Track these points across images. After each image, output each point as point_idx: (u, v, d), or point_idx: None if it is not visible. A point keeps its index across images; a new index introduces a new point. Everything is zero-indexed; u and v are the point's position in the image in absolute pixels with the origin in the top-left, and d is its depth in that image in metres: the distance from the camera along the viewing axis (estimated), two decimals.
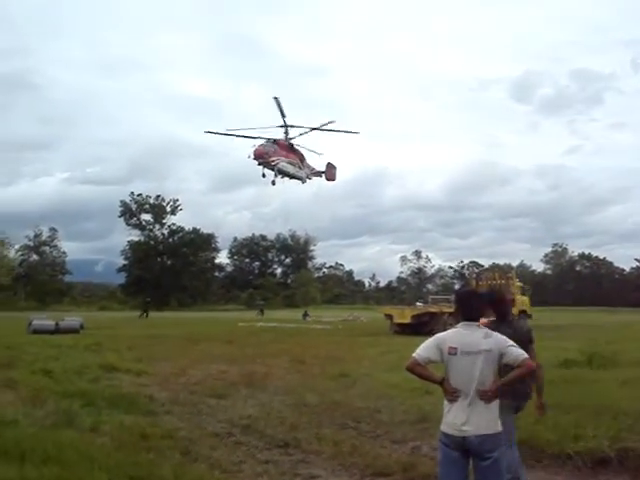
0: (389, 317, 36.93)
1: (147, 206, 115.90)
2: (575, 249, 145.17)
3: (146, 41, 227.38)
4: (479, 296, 5.58)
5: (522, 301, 41.61)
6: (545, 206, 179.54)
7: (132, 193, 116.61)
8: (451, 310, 35.74)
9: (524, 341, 5.75)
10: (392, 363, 18.39)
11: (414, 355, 5.00)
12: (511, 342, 5.03)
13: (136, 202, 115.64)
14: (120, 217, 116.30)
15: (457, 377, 4.92)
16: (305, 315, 54.92)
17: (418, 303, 44.27)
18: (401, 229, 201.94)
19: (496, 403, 4.97)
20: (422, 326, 33.60)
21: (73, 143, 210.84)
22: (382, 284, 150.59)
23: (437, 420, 9.65)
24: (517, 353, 4.93)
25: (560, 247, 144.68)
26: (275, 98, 35.78)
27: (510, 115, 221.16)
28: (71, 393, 11.86)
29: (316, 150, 38.86)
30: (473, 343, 4.94)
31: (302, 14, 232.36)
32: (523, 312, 41.03)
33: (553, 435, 8.53)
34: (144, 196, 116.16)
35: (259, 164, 35.48)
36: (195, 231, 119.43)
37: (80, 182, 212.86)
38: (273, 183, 36.68)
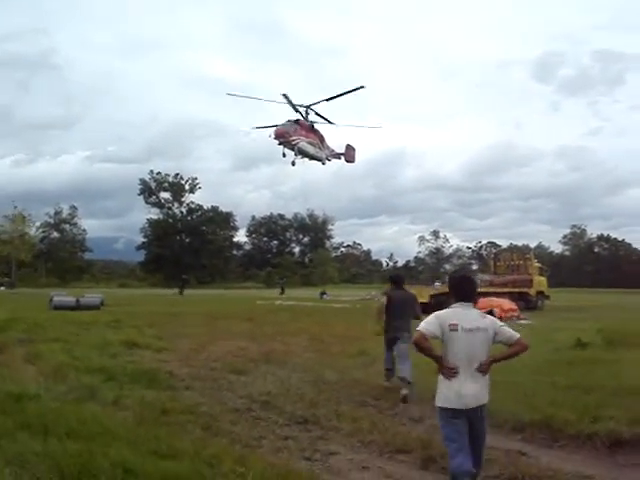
0: None
1: (166, 184, 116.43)
2: (594, 231, 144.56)
3: (166, 22, 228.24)
4: (472, 279, 5.99)
5: (540, 282, 41.62)
6: (565, 187, 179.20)
7: (151, 172, 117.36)
8: None
9: None
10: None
11: (421, 330, 5.37)
12: (502, 323, 5.68)
13: (155, 180, 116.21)
14: (139, 195, 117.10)
15: (459, 352, 5.34)
16: (323, 294, 54.96)
17: (436, 283, 44.18)
18: (420, 209, 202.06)
19: (488, 376, 5.50)
20: (440, 306, 33.36)
21: (94, 122, 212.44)
22: (400, 264, 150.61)
23: None
24: (510, 333, 5.52)
25: (579, 228, 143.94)
26: (284, 95, 35.52)
27: (531, 96, 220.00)
28: (92, 369, 11.99)
29: (330, 120, 38.33)
30: (472, 321, 5.42)
31: None
32: (541, 293, 41.04)
33: (572, 415, 8.52)
34: (163, 174, 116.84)
35: (279, 144, 35.26)
36: (214, 209, 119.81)
37: (100, 161, 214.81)
38: (293, 163, 36.59)
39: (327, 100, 36.76)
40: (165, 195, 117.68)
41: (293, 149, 35.69)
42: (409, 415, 9.15)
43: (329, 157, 40.19)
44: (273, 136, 35.01)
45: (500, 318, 28.29)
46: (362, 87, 36.24)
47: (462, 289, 5.69)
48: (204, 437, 7.55)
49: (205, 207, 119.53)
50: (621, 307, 42.21)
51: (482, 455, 5.68)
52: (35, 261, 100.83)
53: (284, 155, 35.94)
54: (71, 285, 78.80)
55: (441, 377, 5.47)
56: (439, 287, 38.75)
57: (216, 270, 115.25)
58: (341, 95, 36.82)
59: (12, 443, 6.71)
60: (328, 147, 39.66)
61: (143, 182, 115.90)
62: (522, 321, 28.23)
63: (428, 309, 26.36)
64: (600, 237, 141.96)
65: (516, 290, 38.48)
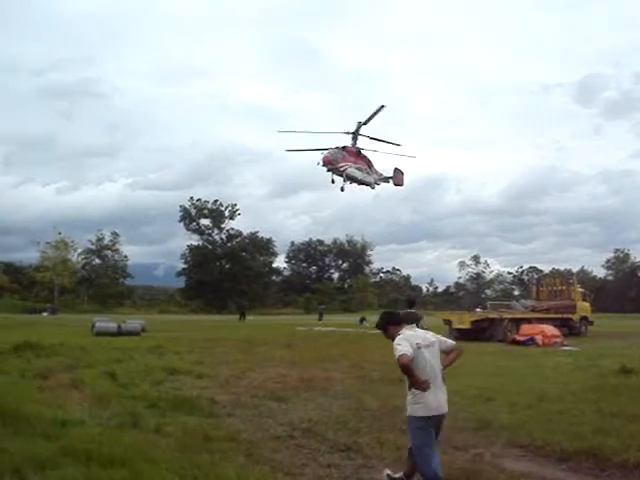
0: (448, 322, 36.66)
1: (206, 211, 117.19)
2: (638, 255, 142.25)
3: (207, 49, 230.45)
4: (414, 304, 7.29)
5: (583, 307, 41.06)
6: (607, 211, 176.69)
7: (191, 198, 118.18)
8: (510, 316, 35.47)
9: None
10: (452, 369, 18.23)
11: (407, 353, 6.08)
12: (439, 335, 6.81)
13: (195, 207, 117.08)
14: (180, 222, 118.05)
15: (426, 366, 6.23)
16: (362, 320, 54.62)
17: (477, 309, 43.81)
18: (460, 234, 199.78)
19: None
20: (481, 332, 33.39)
21: (136, 150, 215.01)
22: (440, 289, 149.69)
23: (498, 428, 9.72)
24: (449, 342, 6.78)
25: (622, 252, 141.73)
26: (382, 106, 35.90)
27: (573, 119, 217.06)
28: (135, 395, 12.13)
29: (393, 141, 38.42)
30: (426, 338, 6.44)
31: (362, 22, 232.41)
32: (584, 318, 40.49)
33: (618, 444, 8.40)
34: (203, 201, 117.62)
35: (328, 170, 35.69)
36: (253, 235, 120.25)
37: (142, 188, 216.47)
38: (342, 189, 36.77)
39: (370, 139, 37.15)
40: (205, 222, 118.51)
41: (342, 175, 35.99)
42: (452, 444, 9.04)
43: (377, 181, 40.42)
44: (321, 163, 35.46)
45: (544, 344, 28.12)
46: (383, 106, 36.49)
47: (410, 314, 6.81)
48: (246, 465, 7.55)
49: (244, 233, 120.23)
50: None
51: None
52: (77, 287, 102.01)
53: (333, 181, 36.37)
54: (112, 311, 79.59)
55: (415, 391, 6.22)
56: (480, 312, 38.47)
57: (255, 296, 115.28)
58: (371, 118, 37.13)
59: (55, 469, 6.79)
60: (376, 171, 39.86)
61: (183, 209, 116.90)
62: (566, 347, 27.87)
63: (469, 334, 26.25)
64: None
65: (559, 316, 37.99)
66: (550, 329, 31.20)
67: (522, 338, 29.96)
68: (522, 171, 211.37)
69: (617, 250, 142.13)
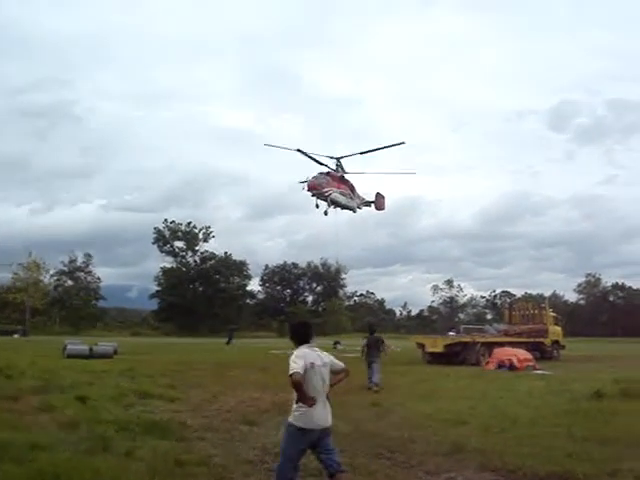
0: (421, 346, 36.80)
1: (180, 233, 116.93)
2: (609, 279, 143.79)
3: (183, 73, 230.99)
4: (310, 324, 7.25)
5: (555, 331, 41.32)
6: (580, 236, 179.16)
7: (165, 220, 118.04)
8: (483, 340, 35.63)
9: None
10: (425, 393, 18.38)
11: (299, 371, 6.40)
12: (332, 357, 7.11)
13: (169, 229, 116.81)
14: (154, 244, 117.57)
15: (316, 384, 6.57)
16: (336, 344, 54.61)
17: (450, 332, 43.96)
18: (434, 258, 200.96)
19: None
20: (454, 355, 33.51)
21: (112, 171, 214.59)
22: (413, 313, 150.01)
23: (471, 451, 9.72)
24: (340, 363, 7.09)
25: (593, 277, 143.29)
26: (298, 150, 36.18)
27: (546, 145, 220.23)
28: (106, 419, 11.94)
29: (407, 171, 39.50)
30: (320, 358, 6.77)
31: (338, 48, 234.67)
32: (556, 342, 40.77)
33: (590, 468, 8.45)
34: (177, 223, 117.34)
35: (312, 195, 36.02)
36: (226, 258, 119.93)
37: (117, 209, 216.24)
38: (325, 213, 36.87)
39: (361, 154, 37.70)
40: (179, 244, 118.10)
41: (326, 200, 36.31)
42: (425, 468, 9.04)
43: (360, 206, 40.81)
44: (306, 189, 35.81)
45: (516, 368, 28.22)
46: (403, 143, 37.46)
47: (304, 333, 6.96)
48: None
49: (218, 255, 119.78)
50: (637, 357, 41.86)
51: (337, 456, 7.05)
52: (49, 309, 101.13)
53: (317, 206, 36.57)
54: (84, 333, 78.76)
55: (301, 405, 6.52)
56: (453, 336, 38.59)
57: (229, 319, 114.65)
58: (379, 149, 37.95)
59: None
60: (359, 196, 40.27)
61: (157, 231, 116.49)
62: (538, 371, 27.99)
63: (442, 358, 26.33)
64: (615, 286, 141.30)
65: (531, 340, 38.18)
66: (522, 353, 31.31)
67: (496, 363, 30.07)
68: (496, 196, 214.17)
69: (588, 275, 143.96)
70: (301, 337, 6.89)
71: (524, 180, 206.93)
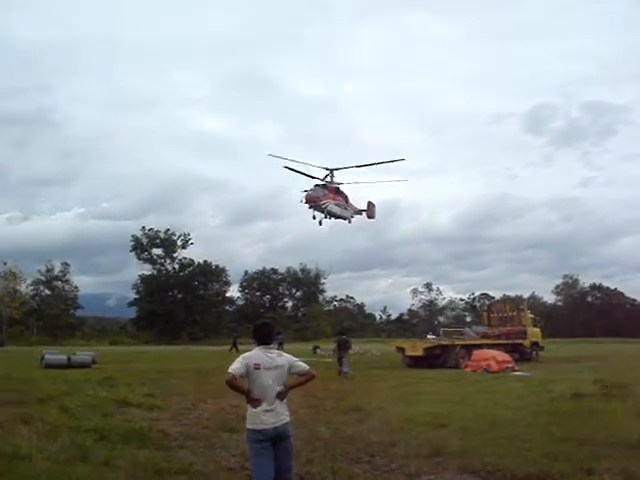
0: (401, 350, 36.92)
1: (158, 240, 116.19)
2: (588, 280, 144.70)
3: (161, 79, 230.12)
4: (270, 325, 7.19)
5: (534, 333, 41.61)
6: (558, 238, 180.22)
7: (143, 228, 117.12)
8: (462, 342, 35.80)
9: None
10: (405, 396, 18.42)
11: (231, 372, 6.47)
12: (297, 359, 7.06)
13: (147, 236, 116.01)
14: (131, 252, 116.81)
15: (262, 385, 6.57)
16: (315, 349, 54.61)
17: (429, 336, 44.09)
18: (414, 262, 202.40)
19: (286, 400, 6.81)
20: (434, 359, 33.65)
21: (90, 179, 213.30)
22: (393, 317, 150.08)
23: (451, 454, 9.75)
24: (303, 366, 6.99)
25: (571, 278, 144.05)
26: (286, 167, 38.28)
27: (524, 148, 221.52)
28: (84, 428, 11.85)
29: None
30: (272, 360, 6.70)
31: (314, 52, 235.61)
32: (535, 344, 41.04)
33: (567, 468, 8.51)
34: (155, 230, 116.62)
35: (310, 207, 38.07)
36: (205, 264, 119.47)
37: (95, 217, 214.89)
38: (320, 223, 38.97)
39: (357, 167, 38.88)
40: (157, 251, 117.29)
41: (323, 211, 38.38)
42: (405, 471, 9.06)
43: (353, 215, 42.59)
44: (304, 201, 37.80)
45: (495, 370, 28.36)
46: (403, 159, 39.78)
47: (262, 334, 6.92)
48: None
49: (197, 262, 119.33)
50: (615, 357, 42.23)
51: (292, 462, 7.08)
52: (26, 318, 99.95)
53: (314, 217, 38.71)
54: (62, 343, 78.07)
55: (249, 406, 6.65)
56: (432, 339, 38.71)
57: (209, 326, 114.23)
58: (376, 164, 39.52)
59: None
60: (352, 206, 42.08)
61: (135, 238, 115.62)
62: (517, 373, 28.16)
63: (422, 361, 26.50)
64: (592, 286, 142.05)
65: (510, 342, 38.43)
66: (502, 355, 31.52)
67: (475, 365, 30.21)
68: (474, 199, 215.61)
69: (566, 276, 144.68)
70: (259, 337, 6.91)
71: (502, 183, 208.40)
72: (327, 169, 39.28)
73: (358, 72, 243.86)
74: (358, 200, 42.61)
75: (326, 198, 38.35)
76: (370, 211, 43.90)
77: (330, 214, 39.02)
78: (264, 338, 6.93)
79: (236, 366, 6.58)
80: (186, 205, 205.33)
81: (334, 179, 39.70)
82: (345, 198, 40.89)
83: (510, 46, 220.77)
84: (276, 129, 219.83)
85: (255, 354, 6.77)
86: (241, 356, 6.75)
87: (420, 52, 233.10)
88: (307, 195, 37.77)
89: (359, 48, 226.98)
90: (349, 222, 42.18)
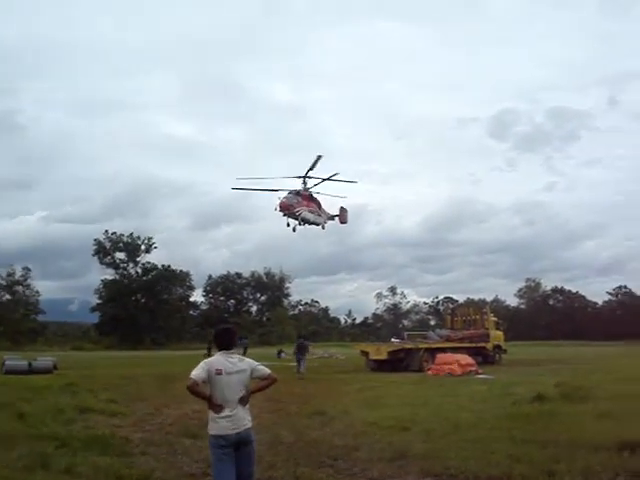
0: (365, 354, 37.04)
1: (121, 244, 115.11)
2: (550, 283, 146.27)
3: (127, 82, 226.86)
4: (231, 330, 7.20)
5: (497, 336, 41.86)
6: (522, 242, 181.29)
7: (106, 232, 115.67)
8: (426, 346, 35.97)
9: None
10: (369, 400, 18.45)
11: (193, 377, 6.50)
12: (258, 363, 7.12)
13: (110, 240, 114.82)
14: (94, 256, 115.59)
15: (224, 390, 6.60)
16: (280, 353, 54.52)
17: (393, 339, 44.24)
18: (379, 266, 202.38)
19: (248, 405, 6.90)
20: (398, 362, 33.78)
21: (54, 182, 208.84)
22: (358, 320, 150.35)
23: (414, 457, 9.78)
24: (264, 370, 7.00)
25: (533, 282, 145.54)
26: (319, 156, 38.22)
27: (488, 153, 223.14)
28: (45, 435, 11.70)
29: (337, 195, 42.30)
30: (234, 365, 6.72)
31: (281, 57, 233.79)
32: (498, 347, 41.32)
33: (529, 470, 8.58)
34: (118, 234, 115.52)
35: (284, 215, 38.31)
36: (168, 269, 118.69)
37: (58, 221, 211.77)
38: (294, 230, 39.39)
39: (328, 179, 39.78)
40: (120, 255, 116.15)
41: (297, 218, 38.71)
42: (368, 475, 9.08)
43: (326, 221, 42.85)
44: (278, 209, 38.01)
45: (458, 374, 28.55)
46: (337, 173, 39.19)
47: (223, 339, 6.96)
48: None
49: (160, 266, 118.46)
50: (576, 360, 42.69)
51: (253, 468, 7.07)
52: None
53: (288, 224, 39.06)
54: (25, 348, 76.82)
55: (210, 412, 6.67)
56: (396, 343, 38.83)
57: (172, 331, 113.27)
58: (343, 181, 40.62)
59: None
60: (325, 212, 42.31)
61: (97, 242, 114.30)
62: (480, 376, 28.35)
63: (386, 365, 26.56)
64: (555, 289, 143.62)
65: (473, 345, 38.66)
66: (465, 358, 31.73)
67: (439, 368, 30.38)
68: (439, 203, 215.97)
69: (529, 279, 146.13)
70: (220, 343, 6.97)
71: (467, 188, 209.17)
72: (299, 177, 39.70)
73: (325, 77, 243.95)
74: (329, 206, 42.96)
75: (300, 205, 38.71)
76: (342, 216, 44.21)
77: (304, 221, 39.37)
78: (225, 343, 6.95)
79: (197, 372, 6.59)
80: (151, 209, 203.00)
81: (307, 187, 40.08)
82: (318, 204, 41.24)
83: (475, 52, 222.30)
84: (242, 134, 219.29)
85: (216, 359, 6.81)
86: (202, 362, 6.77)
87: (387, 58, 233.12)
88: (281, 203, 38.06)
89: (326, 54, 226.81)
90: (323, 228, 42.54)
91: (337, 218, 43.77)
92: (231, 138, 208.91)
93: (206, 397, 6.69)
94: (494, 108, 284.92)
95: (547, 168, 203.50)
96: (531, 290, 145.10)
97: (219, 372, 6.64)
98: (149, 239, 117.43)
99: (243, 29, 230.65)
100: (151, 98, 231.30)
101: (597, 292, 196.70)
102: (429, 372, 30.60)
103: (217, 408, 6.63)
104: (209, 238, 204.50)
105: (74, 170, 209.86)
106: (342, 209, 44.08)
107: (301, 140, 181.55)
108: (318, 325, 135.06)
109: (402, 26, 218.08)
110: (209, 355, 54.31)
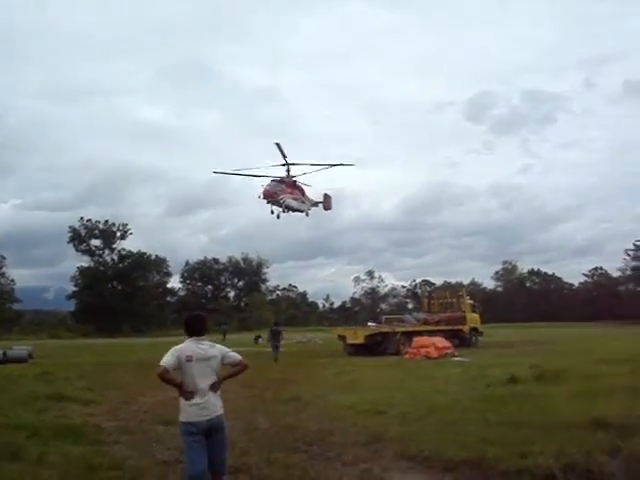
0: (342, 338, 37.14)
1: (96, 231, 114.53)
2: (527, 266, 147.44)
3: (100, 68, 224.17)
4: (202, 317, 7.19)
5: (473, 318, 42.07)
6: (498, 224, 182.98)
7: (81, 219, 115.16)
8: (403, 329, 36.10)
9: None
10: (346, 384, 18.47)
11: (163, 364, 6.53)
12: (229, 349, 7.14)
13: (85, 227, 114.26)
14: (69, 243, 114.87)
15: (194, 377, 6.61)
16: (257, 338, 54.44)
17: (370, 323, 44.36)
18: (356, 250, 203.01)
19: (220, 391, 6.89)
20: (375, 346, 33.87)
21: (27, 169, 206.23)
22: (336, 305, 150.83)
23: (388, 440, 9.78)
24: (235, 356, 7.01)
25: (510, 264, 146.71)
26: (277, 144, 38.35)
27: (464, 136, 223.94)
28: (16, 425, 11.55)
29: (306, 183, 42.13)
30: (204, 351, 6.73)
31: (255, 40, 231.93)
32: (474, 329, 41.54)
33: (502, 452, 8.59)
34: (93, 221, 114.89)
35: (267, 202, 38.78)
36: (144, 255, 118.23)
37: (32, 208, 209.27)
38: (278, 217, 39.83)
39: (311, 165, 40.49)
40: (96, 242, 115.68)
41: (280, 206, 39.13)
42: (342, 460, 9.07)
43: (310, 207, 43.18)
44: (262, 196, 38.45)
45: (435, 357, 28.68)
46: (278, 144, 38.98)
47: (194, 326, 6.93)
48: None
49: (136, 253, 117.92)
50: (552, 341, 43.04)
51: (225, 456, 7.09)
52: None
53: (272, 212, 39.53)
54: (0, 337, 76.56)
55: (181, 399, 6.70)
56: (373, 327, 38.92)
57: (150, 317, 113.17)
58: (330, 166, 41.10)
59: None
60: (308, 198, 42.66)
61: (73, 229, 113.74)
62: (457, 358, 28.49)
63: (364, 349, 26.54)
64: (531, 272, 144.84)
65: (450, 328, 38.81)
66: (441, 341, 31.90)
67: (415, 352, 30.49)
68: (416, 187, 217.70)
69: (505, 262, 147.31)
70: (190, 329, 6.92)
71: (443, 171, 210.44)
72: (284, 164, 39.88)
73: (298, 60, 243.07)
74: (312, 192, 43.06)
75: (283, 193, 39.07)
76: (326, 203, 44.54)
77: (288, 208, 39.70)
78: (196, 330, 6.92)
79: (167, 359, 6.60)
80: (125, 196, 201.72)
81: (290, 174, 40.28)
82: (302, 191, 41.56)
83: (451, 34, 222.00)
84: (216, 118, 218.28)
85: (187, 346, 6.78)
86: (172, 348, 6.75)
87: (361, 40, 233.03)
88: (265, 190, 38.40)
89: (299, 36, 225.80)
90: (307, 215, 42.89)
91: (321, 205, 44.04)
92: (205, 122, 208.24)
93: (177, 384, 6.69)
94: (471, 91, 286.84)
95: (523, 151, 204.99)
96: (508, 272, 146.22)
97: (189, 359, 6.62)
98: (124, 225, 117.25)
99: (215, 12, 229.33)
100: (123, 83, 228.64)
101: (573, 274, 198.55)
102: (406, 355, 30.67)
103: (188, 395, 6.62)
104: (185, 224, 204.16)
105: (47, 157, 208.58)
106: (326, 195, 44.44)
107: (275, 124, 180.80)
108: (296, 310, 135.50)
109: (378, 9, 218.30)
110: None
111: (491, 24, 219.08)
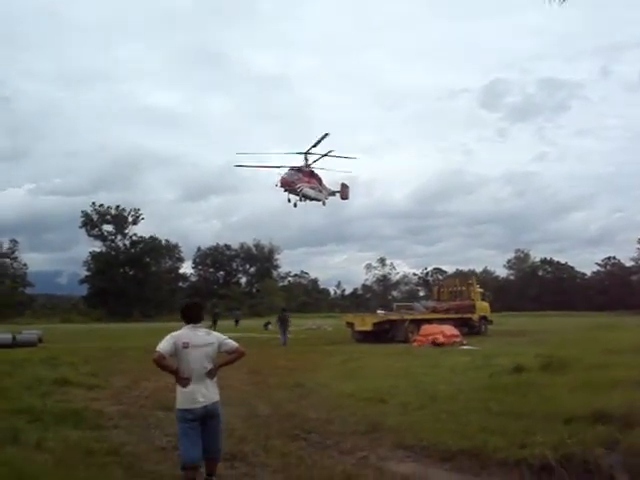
0: (350, 325, 37.19)
1: (108, 217, 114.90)
2: (540, 255, 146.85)
3: (111, 53, 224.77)
4: (198, 305, 7.39)
5: (482, 307, 41.93)
6: (512, 212, 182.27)
7: (93, 204, 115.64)
8: (412, 317, 36.04)
9: None
10: (351, 372, 18.43)
11: (159, 350, 6.60)
12: (226, 337, 7.26)
13: (98, 213, 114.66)
14: (81, 228, 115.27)
15: (191, 364, 6.70)
16: (267, 325, 54.43)
17: (379, 311, 44.33)
18: (368, 237, 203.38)
19: (216, 378, 7.01)
20: (383, 333, 33.86)
21: (41, 154, 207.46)
22: (347, 292, 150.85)
23: (387, 429, 9.74)
24: (231, 344, 7.13)
25: (523, 253, 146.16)
26: (325, 134, 37.94)
27: (479, 123, 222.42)
28: (18, 409, 11.60)
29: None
30: (201, 338, 6.86)
31: (266, 25, 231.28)
32: (484, 318, 41.40)
33: (501, 442, 8.53)
34: (105, 207, 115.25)
35: (285, 191, 38.83)
36: (156, 241, 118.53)
37: (45, 193, 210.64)
38: (295, 205, 39.73)
39: (326, 155, 39.49)
40: (108, 227, 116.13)
41: (298, 194, 39.13)
42: (340, 448, 9.03)
43: (327, 196, 43.15)
44: (279, 185, 38.47)
45: (443, 344, 28.59)
46: (327, 134, 38.49)
47: (190, 313, 7.05)
48: (125, 478, 7.36)
49: (148, 238, 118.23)
50: (563, 330, 42.80)
51: (220, 443, 7.20)
52: None
53: (289, 200, 39.52)
54: (11, 321, 76.76)
55: (178, 385, 6.78)
56: (382, 314, 38.88)
57: (161, 302, 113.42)
58: (343, 157, 40.49)
59: None
60: (326, 187, 42.65)
61: (85, 214, 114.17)
62: (465, 347, 28.38)
63: (372, 336, 26.46)
64: (543, 261, 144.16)
65: (459, 316, 38.72)
66: (450, 329, 31.78)
67: (423, 339, 30.43)
68: (429, 174, 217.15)
69: (518, 250, 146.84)
70: (187, 317, 7.01)
71: (457, 158, 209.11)
72: (300, 153, 39.85)
73: (311, 47, 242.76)
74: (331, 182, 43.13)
75: (300, 181, 39.02)
76: (344, 192, 44.48)
77: (305, 197, 39.72)
78: (193, 317, 7.02)
79: (164, 345, 6.67)
80: (138, 181, 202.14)
81: (308, 163, 40.22)
82: (319, 180, 41.45)
83: (467, 21, 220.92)
84: (227, 103, 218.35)
85: (184, 333, 6.88)
86: (169, 335, 6.82)
87: (375, 27, 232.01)
88: (282, 179, 38.38)
89: (311, 23, 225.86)
90: (324, 204, 42.76)
91: (338, 194, 43.99)
92: (216, 108, 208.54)
93: (173, 370, 6.75)
94: (486, 78, 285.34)
95: (538, 138, 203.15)
96: (520, 261, 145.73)
97: (186, 345, 6.70)
98: (136, 211, 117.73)
99: None
100: (136, 68, 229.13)
101: (586, 263, 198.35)
102: (414, 343, 30.63)
103: (184, 381, 6.69)
104: (197, 210, 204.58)
105: (61, 142, 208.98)
106: (343, 185, 44.33)
107: (287, 110, 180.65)
108: (308, 296, 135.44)
109: None
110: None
111: (507, 11, 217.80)
